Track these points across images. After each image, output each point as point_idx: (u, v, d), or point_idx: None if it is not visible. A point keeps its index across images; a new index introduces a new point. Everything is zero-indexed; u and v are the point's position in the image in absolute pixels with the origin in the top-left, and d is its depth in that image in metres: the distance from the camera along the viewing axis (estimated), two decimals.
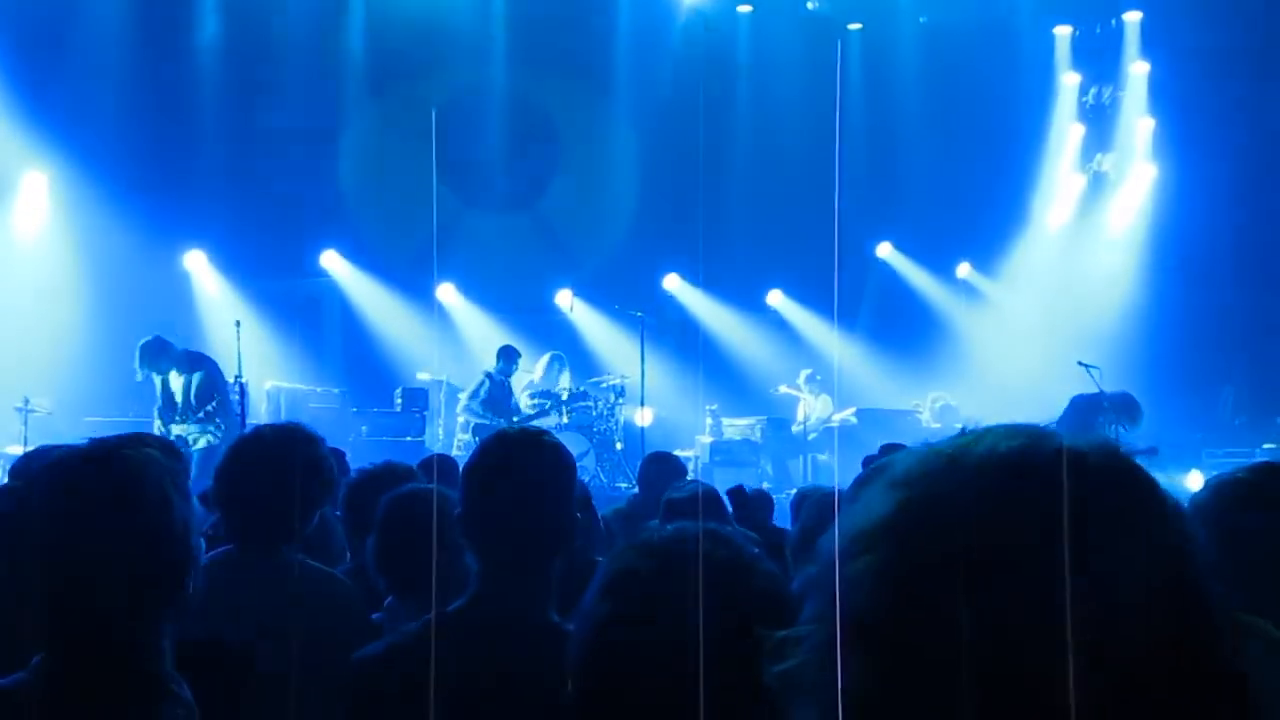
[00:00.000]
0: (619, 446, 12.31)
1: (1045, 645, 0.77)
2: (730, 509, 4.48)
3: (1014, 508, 0.81)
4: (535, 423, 11.66)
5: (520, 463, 2.24)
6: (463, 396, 11.88)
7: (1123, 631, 0.79)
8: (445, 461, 5.17)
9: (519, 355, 11.94)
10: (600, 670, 1.45)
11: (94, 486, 1.71)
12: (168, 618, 1.74)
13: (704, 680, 1.36)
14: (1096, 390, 10.06)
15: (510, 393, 11.77)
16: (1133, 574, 0.80)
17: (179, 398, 9.31)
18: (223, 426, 9.05)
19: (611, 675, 1.44)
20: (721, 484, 5.32)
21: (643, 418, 11.74)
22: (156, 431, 9.05)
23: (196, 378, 9.24)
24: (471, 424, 11.57)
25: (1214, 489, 2.33)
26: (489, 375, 11.71)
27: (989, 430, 0.88)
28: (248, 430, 3.41)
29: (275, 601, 2.59)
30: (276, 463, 2.93)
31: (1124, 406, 9.67)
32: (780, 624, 1.50)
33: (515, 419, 11.47)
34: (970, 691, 0.78)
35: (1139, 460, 0.87)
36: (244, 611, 2.33)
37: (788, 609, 1.51)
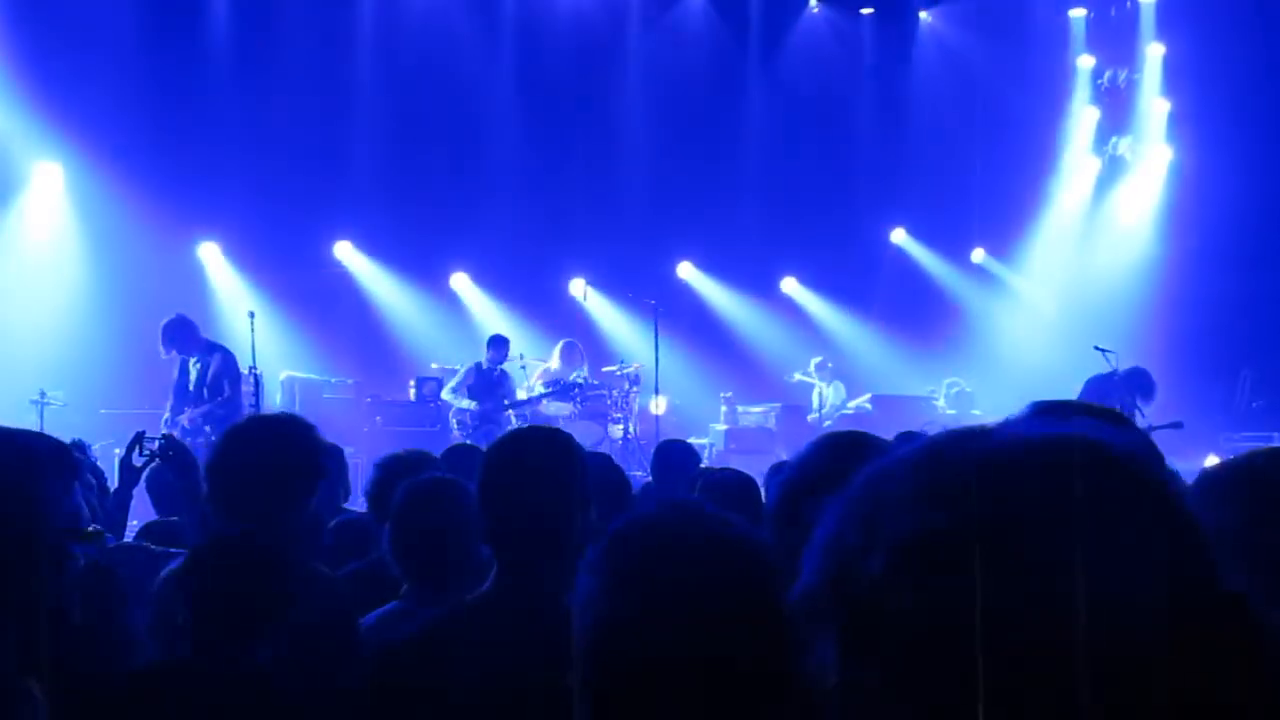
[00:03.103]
0: (633, 434, 12.31)
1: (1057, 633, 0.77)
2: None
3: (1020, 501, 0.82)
4: (544, 409, 11.72)
5: (528, 457, 2.40)
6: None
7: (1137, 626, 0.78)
8: (467, 452, 5.14)
9: (508, 343, 11.91)
10: (611, 660, 1.44)
11: None
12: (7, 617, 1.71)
13: (712, 661, 1.35)
14: (1111, 371, 10.05)
15: (501, 381, 11.75)
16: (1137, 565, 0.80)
17: (192, 385, 9.30)
18: (224, 419, 9.00)
19: (623, 664, 1.43)
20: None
21: (657, 406, 11.75)
22: (164, 421, 9.04)
23: (213, 366, 9.23)
24: (453, 411, 11.62)
25: (1229, 469, 2.31)
26: (476, 365, 11.72)
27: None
28: (240, 421, 3.37)
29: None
30: (268, 453, 2.90)
31: (1138, 382, 9.67)
32: (772, 593, 1.46)
33: (506, 402, 11.52)
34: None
35: (1165, 431, 0.89)
36: None
37: (778, 577, 1.48)
